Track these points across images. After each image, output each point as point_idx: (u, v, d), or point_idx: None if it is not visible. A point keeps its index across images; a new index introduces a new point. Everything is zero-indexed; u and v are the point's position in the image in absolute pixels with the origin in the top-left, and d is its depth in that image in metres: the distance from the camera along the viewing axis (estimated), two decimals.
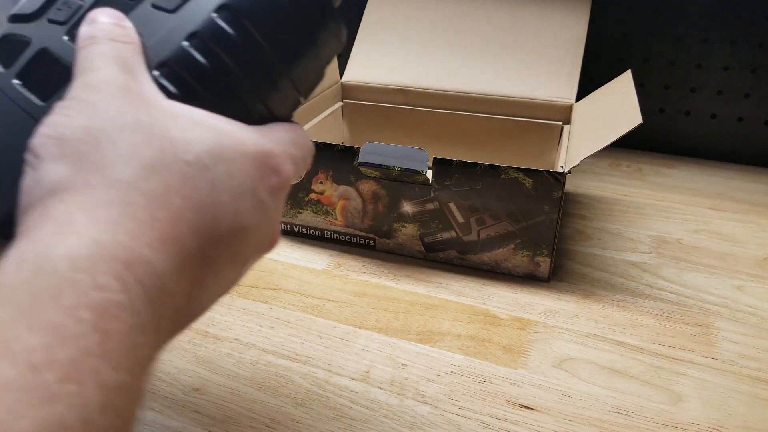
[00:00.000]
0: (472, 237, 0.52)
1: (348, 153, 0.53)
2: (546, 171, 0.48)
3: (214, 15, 0.25)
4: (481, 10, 0.73)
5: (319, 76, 0.29)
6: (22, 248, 0.19)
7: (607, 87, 0.60)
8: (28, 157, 0.22)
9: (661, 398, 0.40)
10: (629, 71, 0.57)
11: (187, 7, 0.26)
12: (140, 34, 0.26)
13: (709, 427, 0.38)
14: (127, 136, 0.21)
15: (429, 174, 0.51)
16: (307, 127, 0.66)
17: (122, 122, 0.21)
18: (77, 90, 0.23)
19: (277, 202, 0.25)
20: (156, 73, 0.25)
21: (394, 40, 0.74)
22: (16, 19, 0.31)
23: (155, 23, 0.27)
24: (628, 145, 0.83)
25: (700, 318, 0.48)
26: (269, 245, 0.26)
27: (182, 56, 0.25)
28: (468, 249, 0.53)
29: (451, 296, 0.51)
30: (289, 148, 0.26)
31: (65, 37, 0.28)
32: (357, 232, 0.57)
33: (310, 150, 0.28)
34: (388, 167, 0.51)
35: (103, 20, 0.26)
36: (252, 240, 0.24)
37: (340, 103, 0.75)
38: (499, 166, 0.49)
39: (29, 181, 0.21)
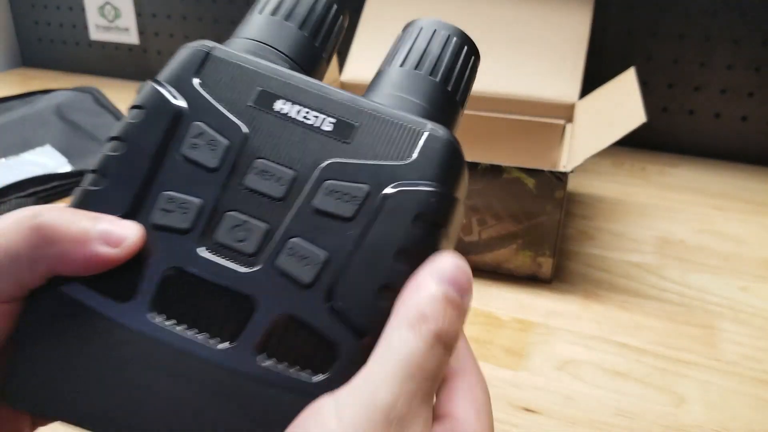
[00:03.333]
0: (474, 237, 0.52)
1: None
2: (548, 170, 0.48)
3: None
4: (483, 8, 0.72)
5: None
6: None
7: (610, 85, 0.59)
8: None
9: (664, 400, 0.40)
10: (633, 68, 0.56)
11: None
12: None
13: (712, 430, 0.38)
14: None
15: None
16: None
17: None
18: None
19: None
20: None
21: (394, 39, 0.74)
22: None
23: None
24: (631, 144, 0.82)
25: (704, 319, 0.48)
26: None
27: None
28: (469, 249, 0.53)
29: None
30: None
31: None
32: None
33: None
34: None
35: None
36: None
37: None
38: (501, 166, 0.48)
39: None
